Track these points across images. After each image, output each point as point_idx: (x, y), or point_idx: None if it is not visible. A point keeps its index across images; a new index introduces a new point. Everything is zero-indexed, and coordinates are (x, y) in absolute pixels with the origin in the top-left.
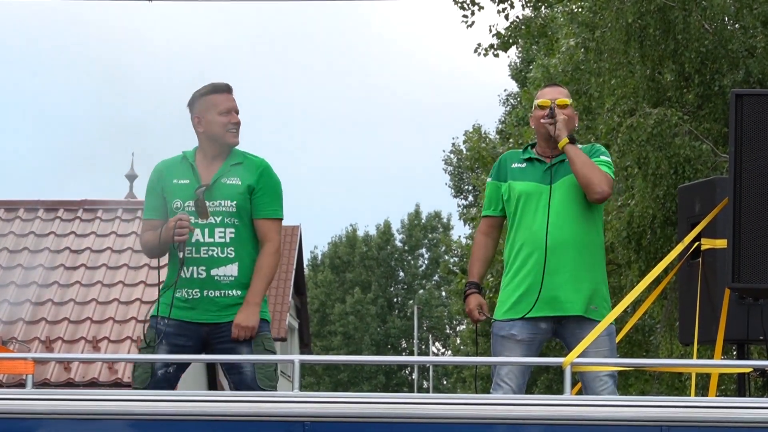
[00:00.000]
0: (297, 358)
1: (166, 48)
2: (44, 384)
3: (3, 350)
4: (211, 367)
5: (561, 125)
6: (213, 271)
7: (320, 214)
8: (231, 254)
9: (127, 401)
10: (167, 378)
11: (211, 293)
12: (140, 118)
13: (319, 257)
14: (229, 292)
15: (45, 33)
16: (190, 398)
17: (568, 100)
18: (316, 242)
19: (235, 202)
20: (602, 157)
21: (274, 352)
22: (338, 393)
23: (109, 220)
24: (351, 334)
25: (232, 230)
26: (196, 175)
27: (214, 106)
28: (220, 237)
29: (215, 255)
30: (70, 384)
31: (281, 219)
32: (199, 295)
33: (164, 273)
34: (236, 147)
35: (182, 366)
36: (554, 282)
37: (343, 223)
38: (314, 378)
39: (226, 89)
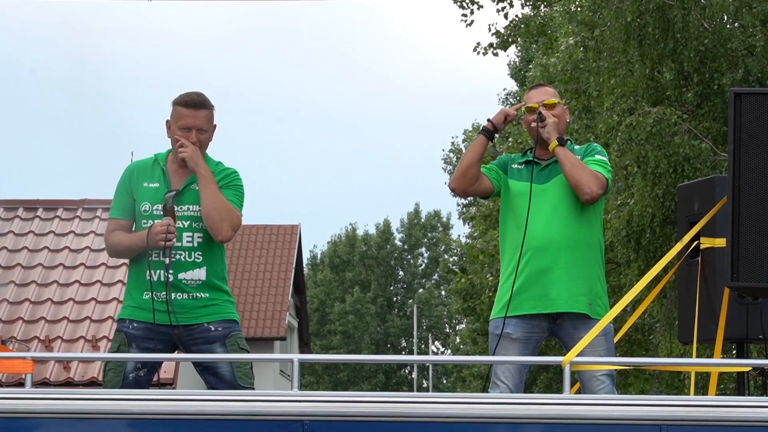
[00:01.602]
0: (296, 357)
1: (167, 46)
2: (43, 383)
3: (2, 349)
4: None
5: (550, 128)
6: (180, 275)
7: (320, 214)
8: (199, 258)
9: (126, 400)
10: (138, 381)
11: (179, 296)
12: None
13: (319, 256)
14: (197, 294)
15: (44, 32)
16: (190, 397)
17: (555, 99)
18: (315, 241)
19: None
20: (597, 156)
21: (247, 350)
22: (338, 392)
23: (107, 219)
24: (350, 333)
25: (200, 234)
26: (166, 180)
27: (178, 119)
28: (188, 241)
29: (183, 259)
30: (69, 383)
31: (240, 216)
32: (166, 297)
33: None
34: (209, 155)
35: (153, 368)
36: (545, 280)
37: (342, 222)
38: (314, 377)
39: (194, 105)
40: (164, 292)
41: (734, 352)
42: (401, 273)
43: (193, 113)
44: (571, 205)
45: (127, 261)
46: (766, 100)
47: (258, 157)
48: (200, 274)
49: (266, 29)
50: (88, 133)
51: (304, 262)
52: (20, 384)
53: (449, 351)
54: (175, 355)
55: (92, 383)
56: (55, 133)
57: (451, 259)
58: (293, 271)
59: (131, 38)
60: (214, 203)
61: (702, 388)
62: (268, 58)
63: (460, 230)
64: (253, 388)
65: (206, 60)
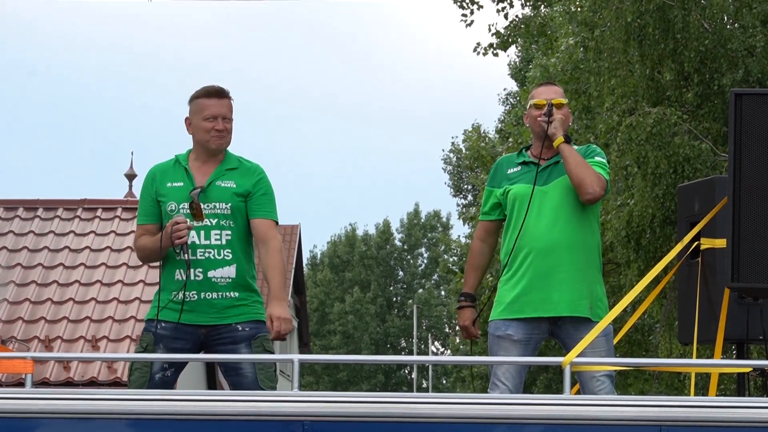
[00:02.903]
0: (296, 357)
1: (170, 47)
2: (43, 383)
3: (2, 349)
4: (210, 367)
5: (557, 124)
6: (210, 273)
7: (319, 213)
8: (228, 256)
9: (127, 401)
10: (165, 381)
11: (209, 295)
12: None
13: (319, 256)
14: (227, 293)
15: (43, 31)
16: (190, 398)
17: (564, 100)
18: (315, 241)
19: (230, 204)
20: (597, 158)
21: (272, 353)
22: (337, 392)
23: (108, 219)
24: (350, 333)
25: (228, 232)
26: (190, 178)
27: (201, 110)
28: (216, 239)
29: (212, 257)
30: (69, 383)
31: (277, 222)
32: (196, 297)
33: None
34: (230, 151)
35: (179, 368)
36: (548, 283)
37: (342, 222)
38: (313, 377)
39: (216, 94)
40: (193, 292)
41: (734, 352)
42: (401, 273)
43: (217, 102)
44: (573, 207)
45: (126, 261)
46: (767, 100)
47: (257, 157)
48: (230, 271)
49: (265, 30)
50: (88, 133)
51: (304, 262)
52: (20, 384)
53: (449, 351)
54: (185, 355)
55: (92, 383)
56: (55, 132)
57: (451, 260)
58: (293, 271)
59: (132, 39)
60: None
61: (702, 389)
62: (267, 58)
63: (459, 230)
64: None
65: (206, 59)
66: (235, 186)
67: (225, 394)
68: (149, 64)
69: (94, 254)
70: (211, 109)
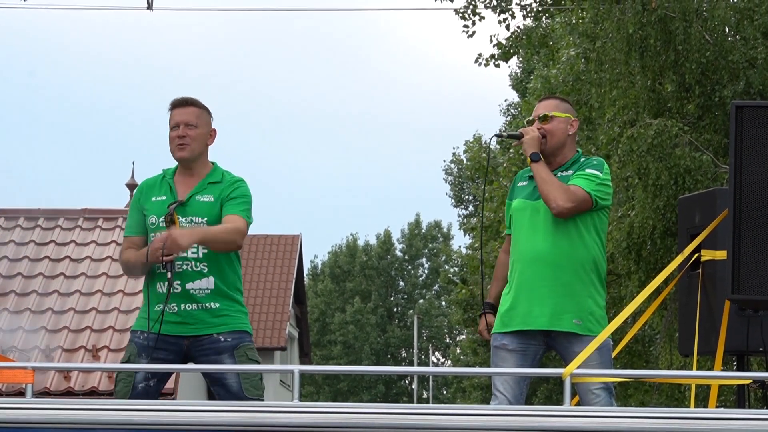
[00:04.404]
0: (297, 368)
1: (171, 54)
2: (44, 393)
3: (3, 359)
4: None
5: (526, 145)
6: (188, 285)
7: (320, 224)
8: (204, 269)
9: (127, 411)
10: (148, 391)
11: (189, 306)
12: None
13: (320, 266)
14: (207, 304)
15: (47, 38)
16: (190, 408)
17: (551, 112)
18: (316, 251)
19: (206, 218)
20: (587, 170)
21: (258, 362)
22: (338, 403)
23: (109, 228)
24: (351, 343)
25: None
26: (173, 192)
27: (169, 122)
28: (192, 252)
29: (189, 269)
30: (69, 393)
31: (249, 222)
32: (176, 309)
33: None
34: (218, 165)
35: (163, 379)
36: (531, 296)
37: (343, 232)
38: (314, 387)
39: (179, 104)
40: (173, 303)
41: (734, 364)
42: (402, 283)
43: (179, 111)
44: (564, 222)
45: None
46: (767, 113)
47: (258, 167)
48: (208, 283)
49: (265, 41)
50: (90, 142)
51: (305, 272)
52: (21, 394)
53: (449, 362)
54: (175, 366)
55: (92, 393)
56: (56, 142)
57: (452, 270)
58: (294, 281)
59: (133, 46)
60: (216, 243)
61: (702, 401)
62: (267, 69)
63: (460, 241)
64: (262, 399)
65: (207, 69)
66: (213, 200)
67: (226, 404)
68: (150, 74)
69: (95, 264)
70: (174, 118)
